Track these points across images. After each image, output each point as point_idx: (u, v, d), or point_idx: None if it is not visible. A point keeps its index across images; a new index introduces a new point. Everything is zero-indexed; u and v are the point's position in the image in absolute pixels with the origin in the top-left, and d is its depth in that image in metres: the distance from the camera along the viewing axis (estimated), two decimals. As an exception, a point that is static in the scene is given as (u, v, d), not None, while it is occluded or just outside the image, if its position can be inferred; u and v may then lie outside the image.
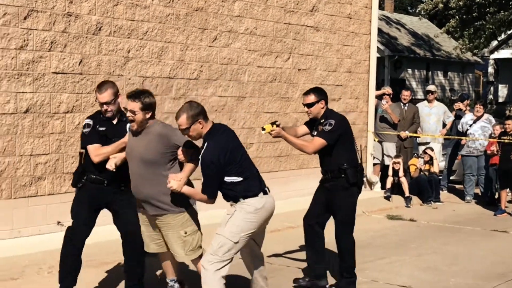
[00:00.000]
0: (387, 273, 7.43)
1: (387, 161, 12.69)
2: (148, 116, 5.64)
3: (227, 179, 5.49)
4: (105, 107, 5.99)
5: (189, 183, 5.64)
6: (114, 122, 6.09)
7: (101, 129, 6.02)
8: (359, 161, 6.73)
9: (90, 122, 6.05)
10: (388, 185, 12.24)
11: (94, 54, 8.74)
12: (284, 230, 9.24)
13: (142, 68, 9.30)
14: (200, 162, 5.43)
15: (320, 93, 6.70)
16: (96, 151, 5.91)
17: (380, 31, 13.22)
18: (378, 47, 13.42)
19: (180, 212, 5.67)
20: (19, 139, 8.09)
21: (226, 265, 5.47)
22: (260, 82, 10.98)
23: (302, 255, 7.55)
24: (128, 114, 5.64)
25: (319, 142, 6.55)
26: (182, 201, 5.66)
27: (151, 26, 9.38)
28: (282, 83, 11.35)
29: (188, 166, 5.61)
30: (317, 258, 6.76)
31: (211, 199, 5.49)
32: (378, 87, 13.57)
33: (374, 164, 12.95)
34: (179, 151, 5.65)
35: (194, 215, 5.81)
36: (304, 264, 7.28)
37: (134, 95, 5.63)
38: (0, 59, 7.87)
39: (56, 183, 8.41)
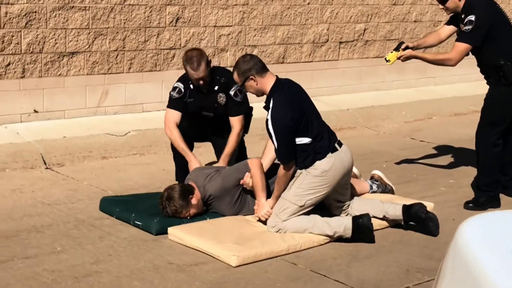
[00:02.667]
0: None
1: None
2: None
3: (297, 140, 4.73)
4: (201, 82, 5.46)
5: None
6: (205, 91, 5.58)
7: (189, 100, 5.57)
8: None
9: (182, 88, 5.56)
10: None
11: None
12: (469, 114, 8.97)
13: None
14: (269, 123, 4.69)
15: None
16: (169, 122, 5.56)
17: None
18: None
19: None
20: (204, 9, 8.15)
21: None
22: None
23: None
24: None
25: (461, 48, 5.47)
26: None
27: None
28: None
29: (260, 183, 4.96)
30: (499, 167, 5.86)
31: (289, 163, 4.72)
32: None
33: None
34: (246, 180, 5.03)
35: None
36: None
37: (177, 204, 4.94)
38: None
39: (237, 55, 8.43)
